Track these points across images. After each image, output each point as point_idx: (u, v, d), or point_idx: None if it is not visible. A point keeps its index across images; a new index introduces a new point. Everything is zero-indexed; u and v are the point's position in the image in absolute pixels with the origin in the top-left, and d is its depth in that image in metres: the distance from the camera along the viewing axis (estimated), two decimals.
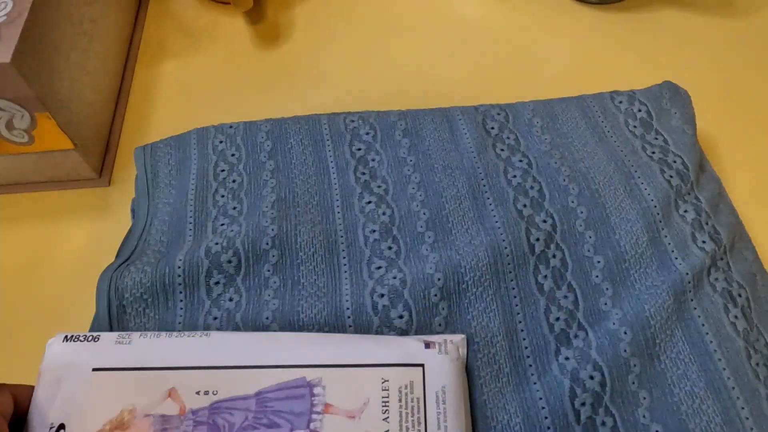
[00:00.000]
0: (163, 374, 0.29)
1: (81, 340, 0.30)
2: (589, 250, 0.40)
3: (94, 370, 0.29)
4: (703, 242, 0.38)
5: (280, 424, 0.28)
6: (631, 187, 0.41)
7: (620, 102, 0.44)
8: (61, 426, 0.28)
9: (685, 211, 0.40)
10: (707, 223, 0.39)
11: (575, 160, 0.43)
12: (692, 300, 0.36)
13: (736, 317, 0.34)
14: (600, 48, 0.53)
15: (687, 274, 0.37)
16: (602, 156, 0.42)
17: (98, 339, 0.31)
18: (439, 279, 0.36)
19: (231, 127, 0.46)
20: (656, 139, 0.42)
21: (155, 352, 0.30)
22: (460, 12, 0.58)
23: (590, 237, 0.40)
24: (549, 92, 0.48)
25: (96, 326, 0.36)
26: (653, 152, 0.42)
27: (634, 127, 0.43)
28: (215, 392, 0.29)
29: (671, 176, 0.40)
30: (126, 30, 0.54)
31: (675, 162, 0.41)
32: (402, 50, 0.55)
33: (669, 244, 0.39)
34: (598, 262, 0.39)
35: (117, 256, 0.40)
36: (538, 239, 0.39)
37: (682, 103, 0.43)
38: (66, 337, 0.31)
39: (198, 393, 0.29)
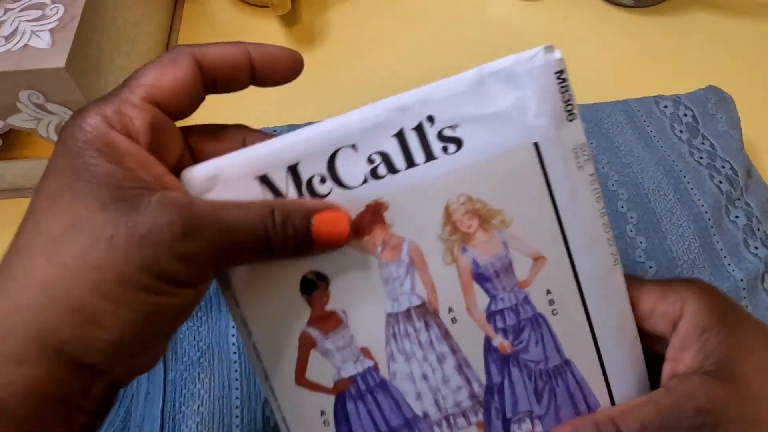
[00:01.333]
0: None
1: None
2: (640, 256, 0.40)
3: None
4: (756, 248, 0.39)
5: None
6: (680, 193, 0.41)
7: (665, 106, 0.44)
8: None
9: (736, 217, 0.40)
10: (758, 229, 0.40)
11: (623, 164, 0.44)
12: (747, 306, 0.37)
13: None
14: (636, 51, 0.54)
15: (741, 280, 0.37)
16: (650, 161, 0.43)
17: None
18: None
19: (275, 130, 0.45)
20: (703, 144, 0.43)
21: None
22: (495, 15, 0.58)
23: (641, 242, 0.41)
24: (587, 96, 0.48)
25: None
26: (701, 157, 0.42)
27: (681, 131, 0.43)
28: None
29: (720, 181, 0.41)
30: (163, 32, 0.54)
31: (723, 167, 0.42)
32: (436, 52, 0.55)
33: (721, 249, 0.40)
34: (650, 267, 0.40)
35: None
36: None
37: (727, 108, 0.44)
38: None
39: None
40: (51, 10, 0.38)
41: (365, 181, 0.25)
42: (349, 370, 0.27)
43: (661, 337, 0.26)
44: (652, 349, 0.27)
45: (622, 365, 0.27)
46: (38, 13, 0.37)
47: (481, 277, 0.26)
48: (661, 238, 0.41)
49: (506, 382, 0.27)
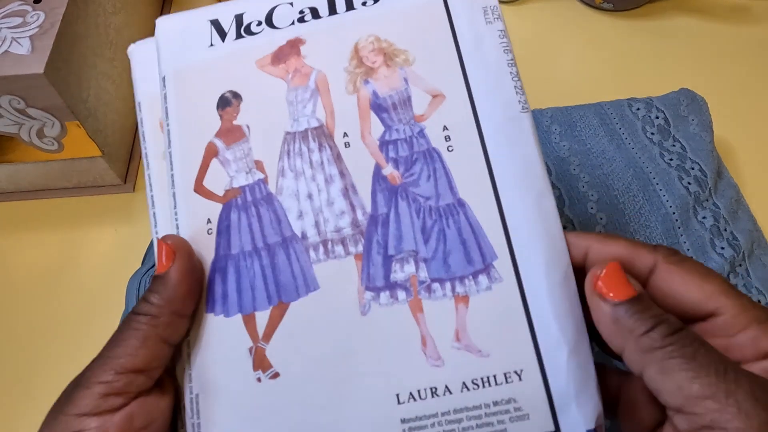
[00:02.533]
0: None
1: None
2: None
3: None
4: (722, 248, 0.37)
5: None
6: (649, 194, 0.40)
7: (638, 109, 0.45)
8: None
9: (704, 218, 0.39)
10: (726, 230, 0.38)
11: (593, 166, 0.43)
12: None
13: None
14: (615, 55, 0.54)
15: None
16: (620, 162, 0.42)
17: None
18: None
19: None
20: (674, 145, 0.43)
21: None
22: None
23: None
24: (565, 99, 0.47)
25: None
26: (671, 159, 0.42)
27: (652, 134, 0.44)
28: None
29: (689, 183, 0.40)
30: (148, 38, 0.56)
31: (693, 168, 0.41)
32: None
33: (688, 250, 0.39)
34: None
35: (144, 261, 0.41)
36: None
37: (699, 110, 0.44)
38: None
39: None
40: (32, 17, 0.39)
41: (292, 23, 0.28)
42: (241, 180, 0.26)
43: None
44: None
45: (525, 216, 0.24)
46: (19, 20, 0.39)
47: (378, 108, 0.26)
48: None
49: (392, 214, 0.25)
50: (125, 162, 0.47)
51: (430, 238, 0.25)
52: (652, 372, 0.20)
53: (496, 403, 0.23)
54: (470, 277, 0.24)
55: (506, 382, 0.23)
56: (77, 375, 0.25)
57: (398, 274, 0.24)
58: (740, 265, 0.36)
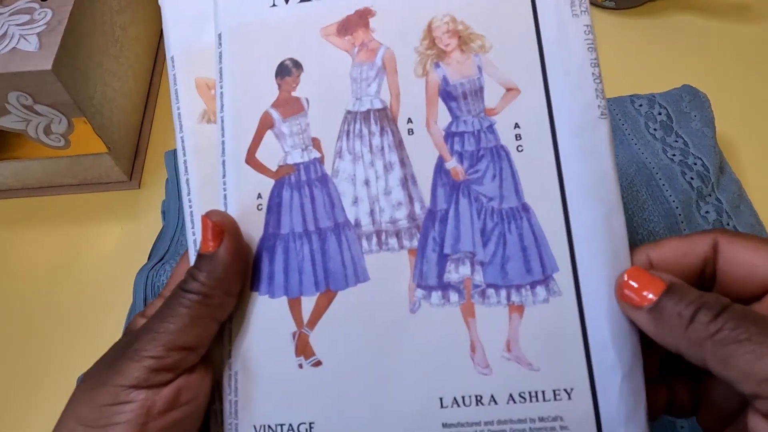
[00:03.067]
0: None
1: None
2: None
3: None
4: None
5: None
6: (652, 189, 0.40)
7: (640, 105, 0.44)
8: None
9: (707, 212, 0.39)
10: (728, 224, 0.38)
11: None
12: None
13: None
14: (617, 52, 0.53)
15: None
16: (624, 158, 0.41)
17: None
18: None
19: None
20: (676, 141, 0.42)
21: None
22: None
23: None
24: None
25: (132, 315, 0.37)
26: (674, 154, 0.41)
27: (655, 129, 0.43)
28: None
29: (692, 178, 0.40)
30: (153, 37, 0.54)
31: (695, 164, 0.40)
32: None
33: None
34: None
35: (151, 255, 0.41)
36: None
37: (702, 106, 0.43)
38: None
39: None
40: (39, 14, 0.39)
41: None
42: (296, 157, 0.25)
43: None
44: None
45: (592, 230, 0.23)
46: (27, 17, 0.39)
47: (447, 95, 0.25)
48: (632, 234, 0.38)
49: (452, 211, 0.24)
50: (131, 159, 0.47)
51: (490, 242, 0.24)
52: (714, 364, 0.19)
53: (542, 419, 0.22)
54: (528, 287, 0.23)
55: (555, 399, 0.22)
56: (113, 347, 0.24)
57: (452, 274, 0.24)
58: None
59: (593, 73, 0.24)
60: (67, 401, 0.23)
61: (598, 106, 0.24)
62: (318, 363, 0.23)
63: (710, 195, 0.39)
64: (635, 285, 0.21)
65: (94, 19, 0.43)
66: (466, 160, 0.24)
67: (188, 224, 0.26)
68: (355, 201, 0.25)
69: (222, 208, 0.25)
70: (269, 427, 0.23)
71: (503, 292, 0.23)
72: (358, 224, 0.24)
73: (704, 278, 0.23)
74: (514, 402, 0.22)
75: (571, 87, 0.24)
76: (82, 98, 0.40)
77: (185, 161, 0.27)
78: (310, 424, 0.23)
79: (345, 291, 0.24)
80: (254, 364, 0.24)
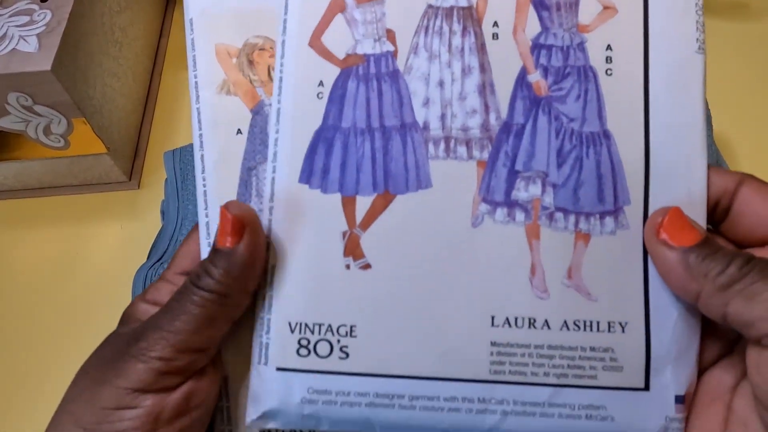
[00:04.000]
0: None
1: None
2: None
3: None
4: None
5: None
6: None
7: None
8: None
9: None
10: None
11: None
12: None
13: None
14: None
15: None
16: None
17: None
18: None
19: None
20: None
21: None
22: None
23: None
24: None
25: None
26: None
27: None
28: None
29: None
30: (153, 37, 0.54)
31: None
32: None
33: None
34: None
35: (149, 255, 0.40)
36: None
37: None
38: None
39: None
40: (38, 15, 0.39)
41: None
42: (367, 47, 0.23)
43: None
44: None
45: (672, 167, 0.22)
46: (26, 18, 0.39)
47: (540, 4, 0.23)
48: None
49: (529, 126, 0.23)
50: (130, 159, 0.47)
51: (565, 164, 0.22)
52: (736, 305, 0.19)
53: (593, 349, 0.22)
54: (597, 216, 0.22)
55: (608, 330, 0.22)
56: (112, 339, 0.22)
57: (521, 192, 0.22)
58: None
59: (697, 4, 0.23)
60: (62, 399, 0.21)
61: (697, 39, 0.23)
62: (367, 266, 0.22)
63: None
64: (673, 228, 0.21)
65: (93, 20, 0.43)
66: (551, 76, 0.23)
67: (201, 205, 0.24)
68: (426, 102, 0.23)
69: (276, 93, 0.23)
70: (306, 325, 0.22)
71: (572, 218, 0.22)
72: (426, 127, 0.23)
73: (715, 212, 0.22)
74: (568, 329, 0.22)
75: (672, 15, 0.23)
76: (81, 99, 0.40)
77: (200, 135, 0.24)
78: (351, 327, 0.22)
79: (404, 195, 0.22)
80: (295, 259, 0.23)
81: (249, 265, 0.21)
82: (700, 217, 0.22)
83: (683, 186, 0.22)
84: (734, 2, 0.53)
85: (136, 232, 0.44)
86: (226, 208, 0.21)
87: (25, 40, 0.38)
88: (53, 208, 0.46)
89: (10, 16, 0.39)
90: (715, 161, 0.40)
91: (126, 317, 0.24)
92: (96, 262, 0.43)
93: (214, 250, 0.21)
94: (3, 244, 0.45)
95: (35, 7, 0.39)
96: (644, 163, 0.22)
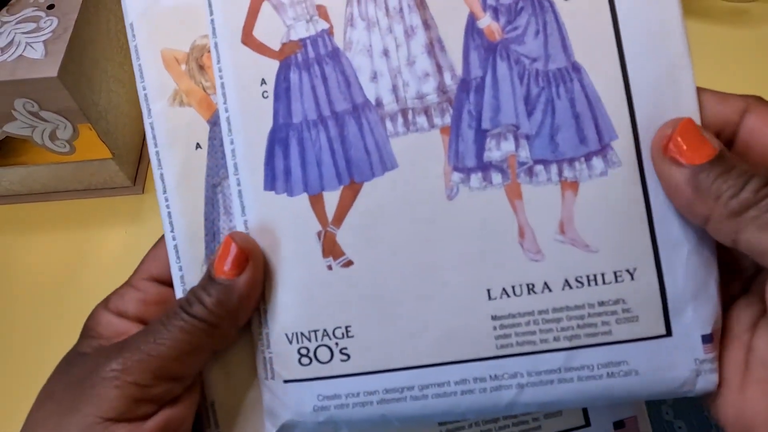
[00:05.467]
0: None
1: None
2: None
3: None
4: None
5: None
6: None
7: None
8: None
9: None
10: None
11: None
12: None
13: None
14: None
15: None
16: None
17: None
18: None
19: None
20: None
21: None
22: None
23: None
24: None
25: None
26: None
27: None
28: None
29: None
30: None
31: None
32: None
33: None
34: None
35: None
36: None
37: None
38: None
39: None
40: (45, 22, 0.40)
41: None
42: (300, 31, 0.21)
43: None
44: None
45: (655, 88, 0.20)
46: (33, 25, 0.39)
47: None
48: None
49: (488, 78, 0.21)
50: (135, 164, 0.47)
51: (535, 110, 0.20)
52: (750, 232, 0.17)
53: (601, 303, 0.20)
54: (582, 159, 0.20)
55: (615, 281, 0.20)
56: (78, 358, 0.22)
57: (494, 152, 0.21)
58: None
59: None
60: (25, 422, 0.20)
61: None
62: (349, 263, 0.21)
63: None
64: (683, 142, 0.18)
65: (99, 26, 0.43)
66: (503, 16, 0.20)
67: (166, 227, 0.23)
68: (374, 76, 0.21)
69: (221, 101, 0.22)
70: (302, 334, 0.22)
71: (554, 168, 0.20)
72: (379, 103, 0.21)
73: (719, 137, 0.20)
74: (570, 288, 0.20)
75: None
76: (87, 104, 0.40)
77: (157, 153, 0.23)
78: (347, 327, 0.21)
79: (371, 182, 0.21)
80: (279, 269, 0.22)
81: (246, 299, 0.21)
82: None
83: (671, 103, 0.20)
84: (735, 8, 0.53)
85: (141, 236, 0.45)
86: (232, 238, 0.21)
87: (31, 46, 0.38)
88: (58, 212, 0.47)
89: (17, 23, 0.40)
90: None
91: (88, 330, 0.23)
92: (100, 266, 0.44)
93: (210, 279, 0.21)
94: (8, 248, 0.46)
95: (42, 14, 0.40)
96: (624, 89, 0.20)
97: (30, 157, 0.45)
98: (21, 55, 0.38)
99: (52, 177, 0.46)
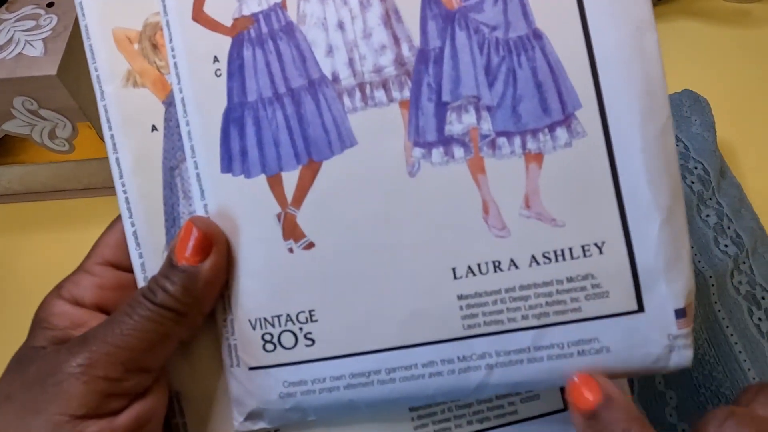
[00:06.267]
0: None
1: None
2: None
3: None
4: (726, 246, 0.36)
5: None
6: None
7: None
8: None
9: (708, 216, 0.38)
10: (729, 228, 0.38)
11: None
12: (716, 303, 0.34)
13: (760, 319, 0.33)
14: None
15: (710, 276, 0.34)
16: None
17: None
18: None
19: None
20: (677, 145, 0.39)
21: None
22: None
23: None
24: None
25: None
26: None
27: None
28: None
29: (693, 182, 0.38)
30: None
31: (696, 168, 0.39)
32: None
33: (692, 247, 0.36)
34: None
35: None
36: None
37: (702, 111, 0.42)
38: None
39: None
40: (44, 20, 0.39)
41: None
42: (253, 5, 0.21)
43: None
44: None
45: (620, 53, 0.19)
46: (32, 23, 0.39)
47: None
48: None
49: (447, 48, 0.20)
50: None
51: (496, 81, 0.20)
52: None
53: (570, 279, 0.19)
54: (546, 130, 0.19)
55: (584, 255, 0.19)
56: (33, 354, 0.20)
57: (455, 126, 0.20)
58: (744, 262, 0.36)
59: None
60: None
61: None
62: (310, 245, 0.21)
63: (711, 199, 0.38)
64: (579, 389, 0.19)
65: None
66: None
67: (124, 213, 0.22)
68: (330, 51, 0.20)
69: (175, 81, 0.21)
70: (265, 319, 0.21)
71: (517, 140, 0.19)
72: (336, 78, 0.20)
73: None
74: (538, 264, 0.19)
75: None
76: (86, 103, 0.40)
77: (112, 136, 0.22)
78: (310, 312, 0.21)
79: (331, 160, 0.20)
80: (240, 253, 0.21)
81: (210, 286, 0.20)
82: (663, 104, 0.19)
83: (638, 70, 0.19)
84: (737, 9, 0.53)
85: None
86: (193, 222, 0.20)
87: (31, 44, 0.38)
88: (58, 212, 0.47)
89: (17, 21, 0.40)
90: (719, 168, 0.40)
91: (40, 321, 0.22)
92: None
93: (172, 266, 0.20)
94: (8, 248, 0.46)
95: (41, 11, 0.40)
96: (588, 56, 0.19)
97: (29, 155, 0.45)
98: (20, 53, 0.38)
99: (52, 176, 0.45)
